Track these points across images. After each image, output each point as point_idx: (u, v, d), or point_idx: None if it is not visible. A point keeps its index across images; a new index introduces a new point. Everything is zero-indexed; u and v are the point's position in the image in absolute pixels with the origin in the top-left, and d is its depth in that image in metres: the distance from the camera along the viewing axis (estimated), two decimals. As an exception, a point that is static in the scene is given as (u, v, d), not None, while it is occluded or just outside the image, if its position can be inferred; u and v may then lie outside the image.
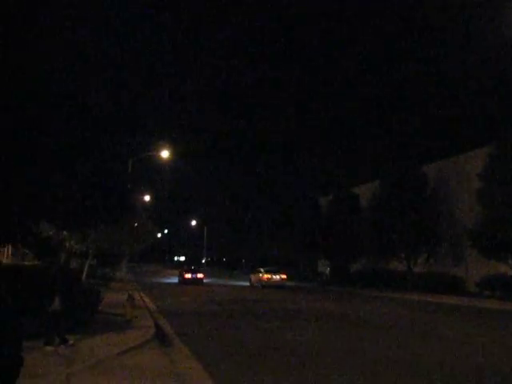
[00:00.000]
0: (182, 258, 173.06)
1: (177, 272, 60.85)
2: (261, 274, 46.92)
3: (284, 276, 46.80)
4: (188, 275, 50.80)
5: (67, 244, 22.82)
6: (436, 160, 45.74)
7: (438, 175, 43.71)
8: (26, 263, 23.95)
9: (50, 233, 20.75)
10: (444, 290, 36.66)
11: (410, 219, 38.81)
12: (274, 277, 46.26)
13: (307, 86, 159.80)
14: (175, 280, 54.98)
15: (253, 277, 49.11)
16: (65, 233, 20.89)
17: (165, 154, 40.60)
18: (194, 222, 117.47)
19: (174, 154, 42.30)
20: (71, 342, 11.64)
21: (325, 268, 56.78)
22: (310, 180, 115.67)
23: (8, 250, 28.98)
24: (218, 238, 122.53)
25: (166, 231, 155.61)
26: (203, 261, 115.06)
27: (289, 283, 48.96)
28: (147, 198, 48.37)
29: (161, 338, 14.03)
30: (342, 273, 51.77)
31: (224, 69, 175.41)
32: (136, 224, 33.84)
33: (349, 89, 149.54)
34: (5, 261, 27.23)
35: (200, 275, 51.14)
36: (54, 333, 11.37)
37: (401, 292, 37.62)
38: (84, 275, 26.97)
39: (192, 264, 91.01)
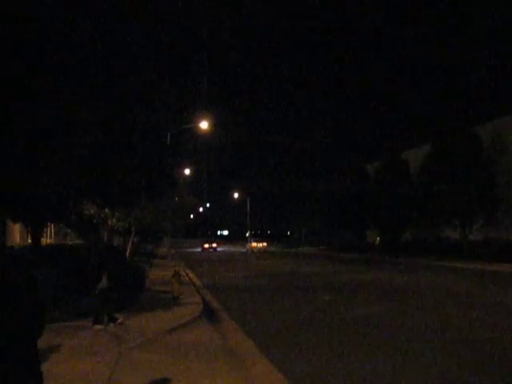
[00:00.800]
0: (226, 232, 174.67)
1: (219, 245, 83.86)
2: (249, 244, 75.39)
3: (265, 244, 76.04)
4: (206, 245, 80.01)
5: (109, 222, 23.20)
6: (489, 120, 44.51)
7: (493, 135, 42.52)
8: (69, 242, 24.56)
9: (92, 211, 21.13)
10: (503, 258, 35.78)
11: (464, 184, 38.00)
12: (258, 245, 74.05)
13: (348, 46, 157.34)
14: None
15: (246, 246, 76.17)
16: (107, 211, 21.21)
17: (204, 124, 40.55)
18: (236, 195, 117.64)
19: (213, 124, 42.29)
20: (120, 320, 11.86)
21: (374, 238, 56.36)
22: (355, 148, 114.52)
23: (50, 229, 29.71)
24: (261, 211, 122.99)
25: (208, 205, 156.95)
26: (247, 234, 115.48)
27: (332, 254, 49.12)
28: (187, 171, 48.71)
29: (209, 314, 14.19)
30: (392, 243, 51.33)
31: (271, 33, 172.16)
32: (177, 199, 34.19)
33: (395, 49, 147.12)
34: (48, 240, 27.94)
35: (214, 245, 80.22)
36: (102, 311, 11.59)
37: (455, 261, 37.09)
38: (128, 252, 27.47)
39: (236, 238, 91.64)
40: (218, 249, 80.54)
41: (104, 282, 11.61)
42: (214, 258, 49.56)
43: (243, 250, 74.96)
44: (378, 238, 54.63)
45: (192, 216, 57.46)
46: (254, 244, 74.52)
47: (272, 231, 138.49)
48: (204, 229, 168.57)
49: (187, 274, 27.74)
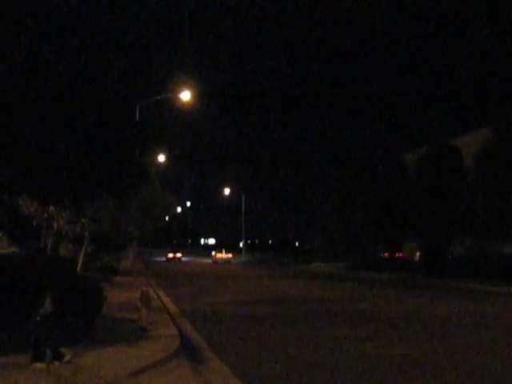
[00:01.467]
0: (212, 241, 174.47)
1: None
2: (214, 253, 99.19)
3: (230, 255, 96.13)
4: (170, 255, 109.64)
5: (55, 224, 23.15)
6: None
7: None
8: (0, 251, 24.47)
9: (32, 209, 21.07)
10: None
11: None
12: (223, 256, 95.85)
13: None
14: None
15: (212, 256, 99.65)
16: (52, 209, 21.16)
17: (185, 95, 40.55)
18: (227, 191, 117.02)
19: (197, 95, 42.24)
20: (68, 357, 11.83)
21: (413, 252, 56.39)
22: (389, 133, 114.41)
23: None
24: (261, 214, 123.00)
25: (188, 204, 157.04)
26: (241, 244, 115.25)
27: (354, 273, 49.01)
28: (162, 158, 48.58)
29: (189, 351, 14.18)
30: (437, 259, 51.33)
31: None
32: (147, 195, 34.14)
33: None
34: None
35: (178, 255, 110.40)
36: (44, 345, 11.55)
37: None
38: (79, 266, 27.45)
39: (226, 249, 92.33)
40: (183, 259, 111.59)
41: (47, 306, 11.56)
42: (196, 276, 49.55)
43: (210, 260, 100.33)
44: (417, 253, 54.67)
45: (167, 218, 57.46)
46: (219, 255, 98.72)
47: (275, 240, 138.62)
48: (182, 236, 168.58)
49: (159, 297, 27.75)
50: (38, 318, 11.51)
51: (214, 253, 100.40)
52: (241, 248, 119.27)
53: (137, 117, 33.28)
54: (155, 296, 27.36)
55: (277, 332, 17.83)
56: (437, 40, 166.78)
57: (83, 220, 24.98)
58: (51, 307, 11.56)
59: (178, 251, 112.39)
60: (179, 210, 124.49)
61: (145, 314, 16.44)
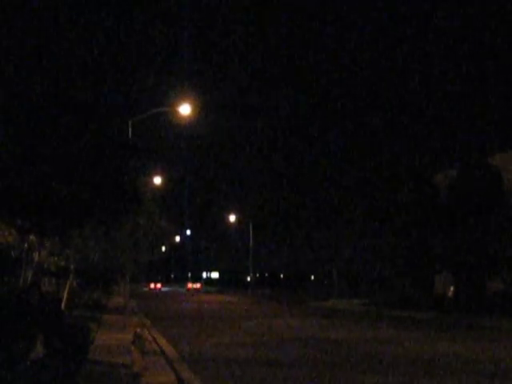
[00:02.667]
0: (215, 275, 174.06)
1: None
2: (187, 284, 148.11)
3: (198, 285, 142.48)
4: (152, 285, 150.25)
5: (36, 256, 23.09)
6: None
7: None
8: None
9: (10, 239, 21.03)
10: None
11: None
12: (193, 286, 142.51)
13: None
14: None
15: (186, 286, 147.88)
16: (33, 238, 21.12)
17: (185, 109, 40.55)
18: (232, 218, 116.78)
19: (199, 109, 42.25)
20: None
21: (446, 287, 56.08)
22: (416, 150, 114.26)
23: None
24: (271, 243, 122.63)
25: (188, 233, 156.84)
26: (248, 278, 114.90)
27: (377, 311, 48.73)
28: (158, 180, 48.58)
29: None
30: (474, 294, 50.99)
31: None
32: (141, 223, 34.07)
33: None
34: None
35: (158, 285, 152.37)
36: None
37: None
38: (63, 303, 27.35)
39: (232, 284, 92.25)
40: (163, 289, 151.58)
41: (39, 349, 11.50)
42: (199, 315, 49.35)
43: (182, 289, 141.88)
44: (451, 288, 54.33)
45: (164, 249, 57.41)
46: (190, 285, 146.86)
47: (287, 274, 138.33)
48: (181, 268, 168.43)
49: (155, 339, 27.60)
50: (29, 363, 11.44)
51: (188, 284, 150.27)
52: (248, 283, 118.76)
53: (129, 133, 33.39)
54: (150, 337, 27.21)
55: (286, 380, 17.68)
56: (471, 50, 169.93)
57: (68, 251, 24.95)
58: (43, 351, 11.50)
59: (158, 282, 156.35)
60: (178, 239, 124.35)
61: (138, 357, 16.33)
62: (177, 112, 41.16)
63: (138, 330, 17.86)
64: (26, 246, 22.02)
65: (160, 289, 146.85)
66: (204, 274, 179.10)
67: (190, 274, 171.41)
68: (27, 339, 11.45)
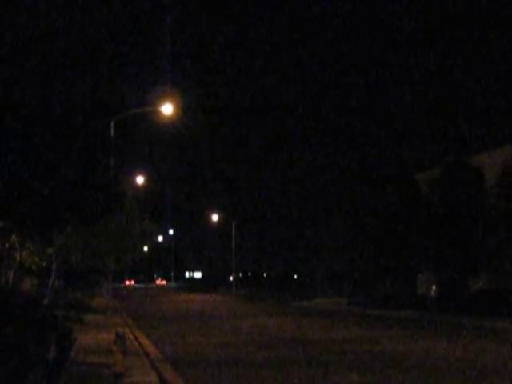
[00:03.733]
0: (198, 275, 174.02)
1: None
2: (156, 281, 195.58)
3: (164, 282, 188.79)
4: (127, 282, 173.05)
5: (17, 255, 23.01)
6: None
7: None
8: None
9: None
10: None
11: None
12: (161, 282, 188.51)
13: None
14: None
15: (156, 282, 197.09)
16: (14, 238, 21.04)
17: (167, 108, 40.51)
18: (215, 217, 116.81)
19: (181, 108, 42.21)
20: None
21: (428, 287, 56.20)
22: (399, 150, 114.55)
23: None
24: (254, 242, 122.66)
25: (171, 232, 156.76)
26: (231, 278, 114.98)
27: (359, 310, 49.01)
28: (140, 180, 48.56)
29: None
30: (456, 293, 51.15)
31: None
32: (124, 222, 33.98)
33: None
34: None
35: (132, 282, 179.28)
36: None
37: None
38: (45, 303, 27.24)
39: (214, 283, 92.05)
40: (136, 285, 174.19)
41: (53, 351, 11.49)
42: (181, 315, 49.32)
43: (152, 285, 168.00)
44: (433, 287, 54.48)
45: (146, 249, 57.32)
46: (158, 281, 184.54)
47: (270, 274, 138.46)
48: (163, 267, 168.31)
49: (136, 338, 27.57)
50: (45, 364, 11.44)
51: (156, 281, 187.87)
52: (230, 282, 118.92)
53: (111, 132, 33.31)
54: (132, 337, 27.18)
55: (272, 380, 17.70)
56: (456, 51, 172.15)
57: (49, 251, 24.85)
58: (57, 350, 11.50)
59: (132, 279, 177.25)
60: (161, 238, 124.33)
61: (120, 358, 16.29)
62: (159, 112, 41.13)
63: (120, 329, 17.82)
64: (7, 245, 21.94)
65: (133, 285, 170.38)
66: (187, 274, 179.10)
67: (172, 274, 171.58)
68: (41, 341, 11.42)
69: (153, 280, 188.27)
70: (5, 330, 11.73)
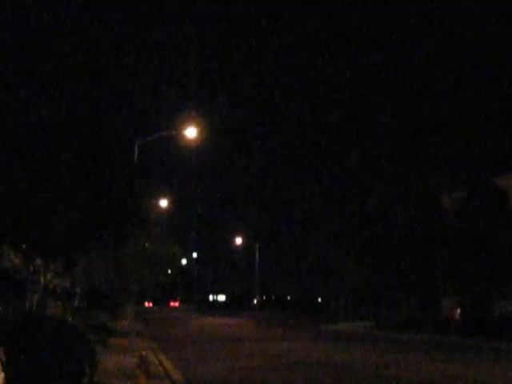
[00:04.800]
0: (222, 298, 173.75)
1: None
2: (169, 302, 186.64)
3: (177, 304, 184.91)
4: (146, 304, 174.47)
5: (42, 278, 23.13)
6: None
7: None
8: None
9: (16, 261, 21.06)
10: None
11: None
12: (174, 304, 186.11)
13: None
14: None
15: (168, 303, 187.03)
16: (39, 262, 21.16)
17: (191, 132, 40.65)
18: (239, 241, 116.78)
19: (206, 132, 42.34)
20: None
21: (452, 310, 55.84)
22: (422, 170, 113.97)
23: None
24: (278, 266, 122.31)
25: (195, 256, 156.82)
26: (255, 301, 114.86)
27: (384, 333, 48.77)
28: (164, 203, 48.63)
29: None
30: (480, 316, 50.77)
31: None
32: (147, 245, 34.09)
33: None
34: None
35: (151, 304, 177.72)
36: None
37: None
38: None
39: (237, 307, 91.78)
40: (154, 307, 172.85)
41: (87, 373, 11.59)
42: (205, 338, 49.26)
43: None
44: (458, 310, 54.12)
45: (170, 272, 57.41)
46: (172, 303, 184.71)
47: (294, 296, 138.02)
48: (187, 291, 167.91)
49: (161, 362, 27.56)
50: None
51: (170, 302, 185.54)
52: (254, 305, 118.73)
53: (135, 156, 33.47)
54: (156, 361, 27.19)
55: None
56: (478, 65, 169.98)
57: (73, 273, 24.95)
58: (89, 375, 11.64)
59: (151, 302, 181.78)
60: (184, 262, 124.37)
61: (144, 381, 16.34)
62: (183, 135, 41.26)
63: (144, 353, 17.88)
64: (31, 268, 22.07)
65: (152, 306, 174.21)
66: (211, 297, 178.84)
67: (196, 297, 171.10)
68: (76, 364, 11.54)
69: (167, 302, 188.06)
70: (38, 353, 11.83)
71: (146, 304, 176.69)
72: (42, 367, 11.91)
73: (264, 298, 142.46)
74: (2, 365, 10.59)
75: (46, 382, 11.43)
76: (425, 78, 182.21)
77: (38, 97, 13.36)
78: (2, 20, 13.30)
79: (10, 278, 21.98)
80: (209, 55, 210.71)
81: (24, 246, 15.40)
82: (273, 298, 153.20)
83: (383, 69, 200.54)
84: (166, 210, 49.53)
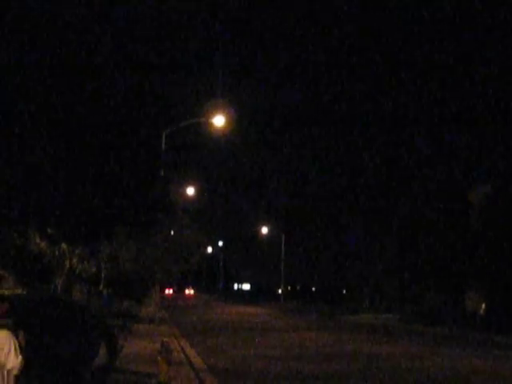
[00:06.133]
0: (247, 287, 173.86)
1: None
2: (186, 291, 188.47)
3: (192, 292, 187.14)
4: (166, 291, 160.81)
5: (67, 263, 23.22)
6: None
7: None
8: (6, 292, 24.63)
9: (42, 245, 21.15)
10: None
11: None
12: (190, 292, 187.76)
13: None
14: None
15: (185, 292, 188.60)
16: (64, 246, 21.24)
17: (219, 120, 40.54)
18: (265, 230, 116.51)
19: (234, 120, 42.26)
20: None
21: (478, 304, 55.47)
22: (448, 165, 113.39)
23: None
24: (303, 255, 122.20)
25: (220, 244, 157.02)
26: (280, 291, 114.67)
27: (409, 327, 48.62)
28: (191, 191, 48.63)
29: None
30: (506, 311, 50.41)
31: None
32: (173, 233, 34.10)
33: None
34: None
35: (171, 291, 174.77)
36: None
37: None
38: (92, 311, 27.43)
39: (262, 296, 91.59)
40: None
41: (102, 357, 11.60)
42: (229, 326, 49.33)
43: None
44: (482, 305, 53.76)
45: (196, 260, 57.48)
46: (187, 291, 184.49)
47: (319, 287, 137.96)
48: (212, 279, 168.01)
49: (183, 349, 27.63)
50: (93, 369, 11.58)
51: (186, 290, 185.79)
52: (279, 295, 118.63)
53: (163, 144, 33.43)
54: (178, 347, 27.26)
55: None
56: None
57: (99, 259, 25.02)
58: (106, 358, 11.64)
59: (170, 289, 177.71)
60: (210, 250, 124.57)
61: (165, 367, 16.33)
62: (211, 123, 41.16)
63: (166, 339, 17.88)
64: (57, 253, 22.16)
65: (172, 295, 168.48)
66: (235, 286, 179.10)
67: (221, 285, 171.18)
68: (90, 346, 11.58)
69: (182, 290, 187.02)
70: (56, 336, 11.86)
71: (166, 291, 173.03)
72: (60, 351, 11.96)
73: (289, 288, 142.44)
74: (22, 349, 10.59)
75: (63, 365, 11.46)
76: (452, 67, 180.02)
77: (68, 81, 13.37)
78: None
79: (36, 262, 22.07)
80: (240, 43, 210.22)
81: (49, 230, 15.44)
82: (297, 288, 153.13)
83: (408, 56, 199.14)
84: (193, 198, 49.50)
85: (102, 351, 11.48)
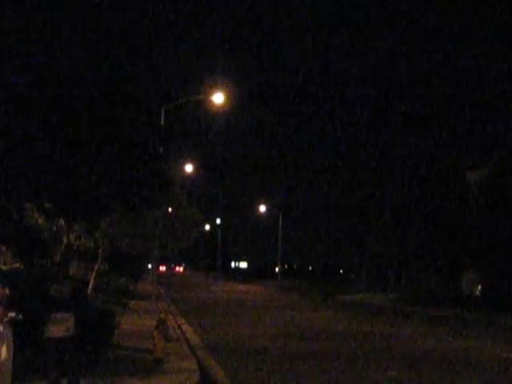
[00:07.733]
0: (244, 265, 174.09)
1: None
2: (174, 267, 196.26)
3: (181, 269, 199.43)
4: (160, 268, 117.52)
5: (65, 238, 23.25)
6: None
7: None
8: (3, 267, 24.69)
9: (39, 220, 21.19)
10: None
11: None
12: (179, 269, 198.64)
13: None
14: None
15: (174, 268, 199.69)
16: (61, 221, 21.27)
17: (218, 98, 40.49)
18: (262, 208, 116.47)
19: (232, 98, 42.21)
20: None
21: (473, 285, 55.69)
22: (446, 145, 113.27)
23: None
24: (300, 234, 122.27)
25: (218, 222, 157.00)
26: (277, 269, 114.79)
27: (404, 306, 48.82)
28: (189, 168, 48.58)
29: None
30: (500, 292, 50.58)
31: None
32: (171, 210, 34.12)
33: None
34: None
35: (164, 268, 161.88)
36: (61, 373, 11.58)
37: None
38: (90, 287, 27.53)
39: (259, 274, 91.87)
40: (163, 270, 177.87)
41: (70, 330, 11.63)
42: (225, 304, 49.45)
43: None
44: (478, 286, 53.94)
45: (193, 237, 57.51)
46: (177, 268, 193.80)
47: (316, 266, 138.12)
48: (209, 256, 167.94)
49: (179, 325, 27.75)
50: (59, 341, 11.58)
51: (175, 267, 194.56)
52: (276, 274, 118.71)
53: (162, 121, 33.41)
54: (174, 323, 27.38)
55: (311, 373, 17.75)
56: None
57: (97, 235, 25.05)
58: (73, 331, 11.66)
59: (164, 266, 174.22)
60: (207, 227, 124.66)
61: (161, 343, 16.44)
62: (210, 101, 41.10)
63: (162, 316, 18.00)
64: (54, 228, 22.21)
65: (165, 272, 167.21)
66: (232, 264, 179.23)
67: (218, 263, 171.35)
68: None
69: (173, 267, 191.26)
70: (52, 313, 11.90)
71: (160, 268, 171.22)
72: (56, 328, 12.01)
73: (286, 266, 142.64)
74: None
75: (59, 343, 11.52)
76: (454, 53, 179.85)
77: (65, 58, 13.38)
78: None
79: (34, 237, 22.10)
80: (238, 21, 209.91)
81: (47, 205, 15.48)
82: (294, 267, 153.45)
83: (413, 48, 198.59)
84: (192, 176, 49.53)
85: (71, 324, 11.46)
